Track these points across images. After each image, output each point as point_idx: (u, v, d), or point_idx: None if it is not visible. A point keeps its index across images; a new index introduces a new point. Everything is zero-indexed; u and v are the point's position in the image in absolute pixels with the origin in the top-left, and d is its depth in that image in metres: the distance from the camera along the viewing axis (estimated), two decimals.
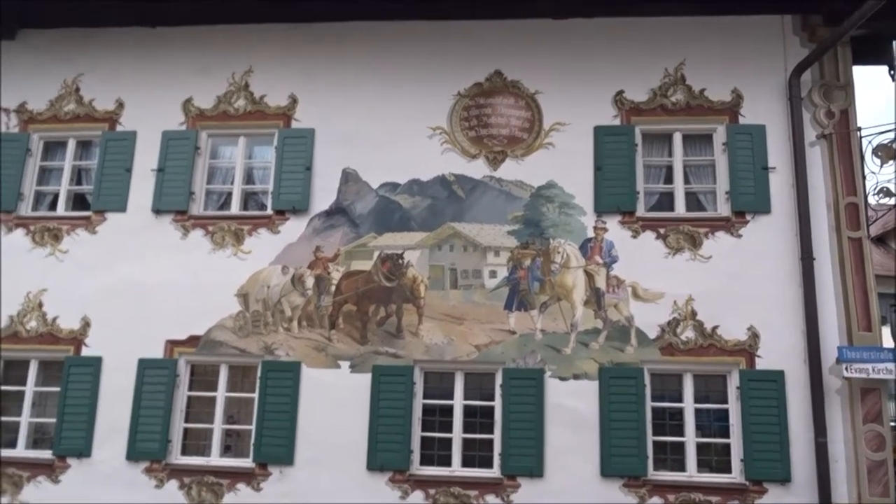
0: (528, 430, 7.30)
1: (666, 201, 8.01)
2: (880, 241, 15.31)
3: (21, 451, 7.94)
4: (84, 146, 8.75)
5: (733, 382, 7.40)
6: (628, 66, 8.02)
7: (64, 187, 8.61)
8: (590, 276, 7.68)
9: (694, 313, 7.54)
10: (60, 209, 8.53)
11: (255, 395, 7.80)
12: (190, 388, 8.00)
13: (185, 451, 7.82)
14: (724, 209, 7.77)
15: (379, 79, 8.35)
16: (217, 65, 8.55)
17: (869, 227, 7.51)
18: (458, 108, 8.22)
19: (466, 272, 7.76)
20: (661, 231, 7.77)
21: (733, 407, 7.35)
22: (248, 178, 8.54)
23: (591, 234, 7.86)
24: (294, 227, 8.23)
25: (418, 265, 7.88)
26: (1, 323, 8.14)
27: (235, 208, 8.45)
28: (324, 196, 8.24)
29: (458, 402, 7.58)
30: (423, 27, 8.23)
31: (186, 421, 7.90)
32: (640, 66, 8.01)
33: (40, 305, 8.21)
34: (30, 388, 8.12)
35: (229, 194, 8.54)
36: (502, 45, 8.14)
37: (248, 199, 8.54)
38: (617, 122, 8.05)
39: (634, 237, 7.83)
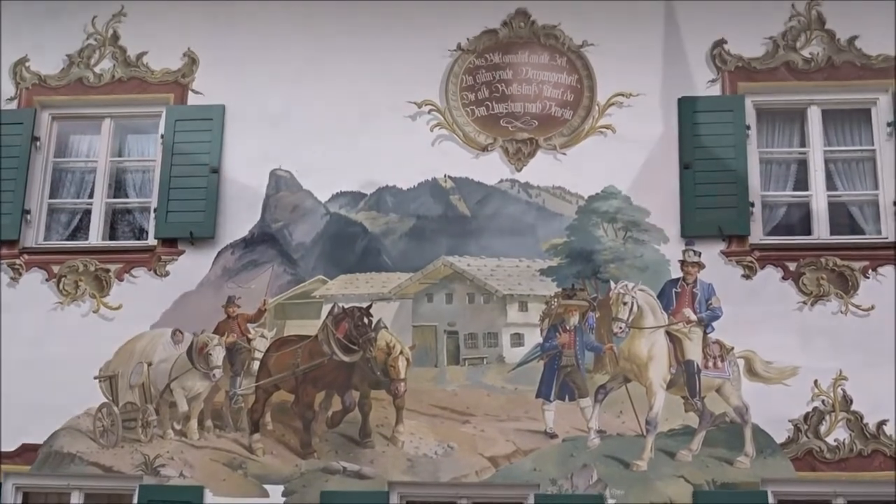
0: None
1: (797, 219, 7.02)
2: None
3: None
4: None
5: None
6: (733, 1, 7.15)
7: None
8: (676, 343, 6.62)
9: (847, 401, 6.42)
10: None
11: None
12: None
13: None
14: (893, 229, 6.84)
15: (329, 24, 7.40)
16: (68, 4, 7.68)
17: None
18: (459, 70, 7.28)
19: (474, 337, 6.91)
20: (791, 267, 6.70)
21: None
22: (119, 186, 7.59)
23: (676, 272, 6.77)
24: (192, 267, 7.15)
25: (395, 327, 6.99)
26: None
27: (96, 236, 7.36)
28: (240, 216, 7.20)
29: None
30: None
31: None
32: (751, 2, 7.13)
33: None
34: None
35: (87, 213, 7.50)
36: None
37: (118, 220, 7.58)
38: (716, 90, 7.07)
39: (748, 277, 6.71)
